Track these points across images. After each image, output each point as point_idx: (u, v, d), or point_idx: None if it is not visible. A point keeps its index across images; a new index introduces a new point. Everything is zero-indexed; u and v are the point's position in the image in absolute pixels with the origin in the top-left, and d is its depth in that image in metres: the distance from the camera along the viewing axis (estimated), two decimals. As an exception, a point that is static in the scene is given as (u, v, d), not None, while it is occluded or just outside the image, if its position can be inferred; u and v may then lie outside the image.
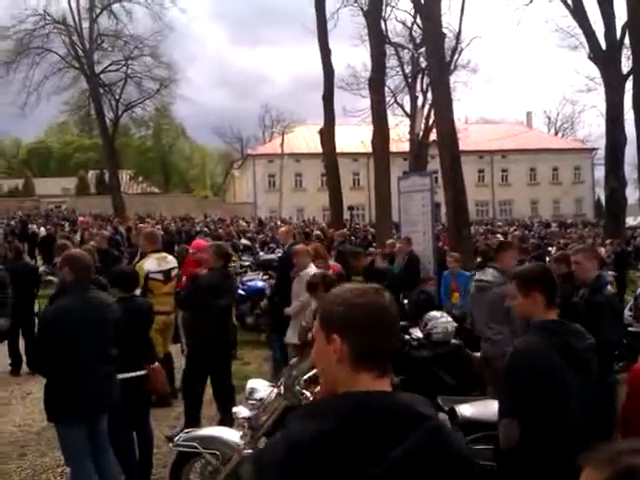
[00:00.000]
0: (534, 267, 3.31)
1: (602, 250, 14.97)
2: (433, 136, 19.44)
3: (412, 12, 27.14)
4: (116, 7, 34.11)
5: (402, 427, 1.35)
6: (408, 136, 31.38)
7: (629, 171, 19.29)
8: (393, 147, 20.56)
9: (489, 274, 5.56)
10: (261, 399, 3.86)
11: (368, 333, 1.44)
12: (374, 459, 1.32)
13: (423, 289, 9.04)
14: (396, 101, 33.24)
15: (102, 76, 34.20)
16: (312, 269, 7.23)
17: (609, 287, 4.94)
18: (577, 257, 4.89)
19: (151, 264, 6.93)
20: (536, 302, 2.87)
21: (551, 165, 54.19)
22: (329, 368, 1.49)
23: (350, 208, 27.04)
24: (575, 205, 53.99)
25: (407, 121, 32.59)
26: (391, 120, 24.77)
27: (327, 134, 21.39)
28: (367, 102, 23.16)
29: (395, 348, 1.55)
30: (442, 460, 1.36)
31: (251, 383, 4.08)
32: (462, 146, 15.59)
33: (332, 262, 10.97)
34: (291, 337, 7.27)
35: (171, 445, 4.30)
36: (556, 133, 64.18)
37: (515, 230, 29.26)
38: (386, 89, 24.56)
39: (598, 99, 56.71)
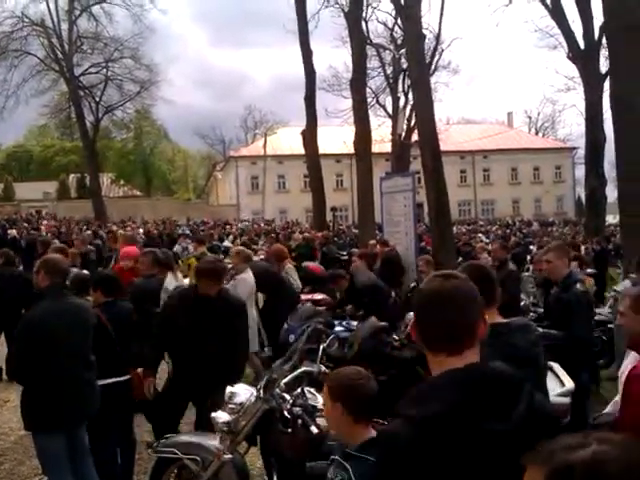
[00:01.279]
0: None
1: (582, 248, 15.10)
2: (415, 137, 19.50)
3: (393, 13, 27.27)
4: (96, 9, 33.90)
5: (512, 390, 1.57)
6: (390, 137, 31.46)
7: (609, 169, 19.49)
8: (375, 148, 20.59)
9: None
10: (241, 403, 3.81)
11: None
12: (502, 418, 1.51)
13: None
14: (378, 102, 33.38)
15: (82, 78, 33.91)
16: (248, 274, 7.25)
17: (579, 285, 4.99)
18: (548, 256, 4.94)
19: (130, 268, 6.85)
20: None
21: (532, 164, 54.64)
22: None
23: (333, 209, 26.97)
24: (556, 204, 54.49)
25: (389, 122, 32.68)
26: (373, 121, 24.87)
27: (309, 135, 21.36)
28: (349, 103, 23.21)
29: None
30: (543, 417, 1.61)
31: (230, 387, 4.02)
32: (444, 146, 15.64)
33: (316, 264, 11.02)
34: (252, 344, 7.25)
35: (150, 451, 4.23)
36: (537, 133, 64.74)
37: (497, 229, 29.52)
38: (368, 90, 24.60)
39: (578, 98, 57.29)
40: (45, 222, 25.30)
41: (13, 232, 21.32)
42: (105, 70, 34.37)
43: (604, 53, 20.54)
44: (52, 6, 32.68)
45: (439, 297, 1.64)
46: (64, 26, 33.15)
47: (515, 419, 1.52)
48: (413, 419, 1.51)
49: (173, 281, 7.48)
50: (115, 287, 5.10)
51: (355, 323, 5.93)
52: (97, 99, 34.47)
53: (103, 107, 34.83)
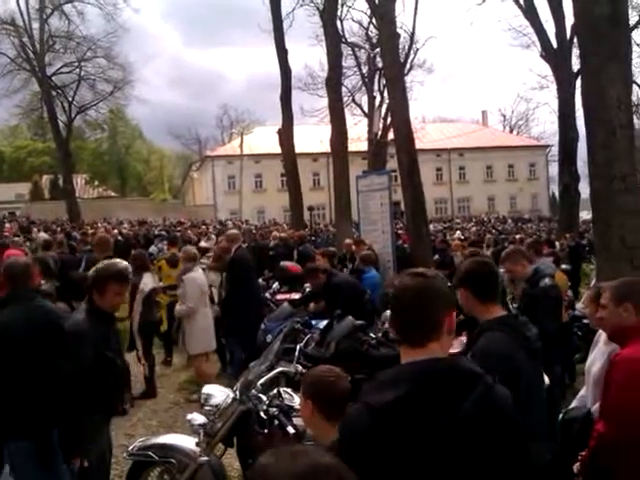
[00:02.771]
0: (464, 263, 3.28)
1: (557, 244, 15.29)
2: (391, 135, 19.55)
3: (368, 12, 27.29)
4: (67, 8, 33.26)
5: (465, 385, 1.66)
6: (367, 135, 31.53)
7: (582, 167, 19.70)
8: (352, 147, 20.60)
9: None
10: (217, 405, 3.79)
11: None
12: (448, 414, 1.61)
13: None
14: (354, 101, 33.41)
15: (54, 78, 33.33)
16: (197, 273, 7.27)
17: (547, 279, 5.10)
18: (505, 265, 5.05)
19: (103, 270, 6.76)
20: (469, 299, 2.82)
21: (507, 162, 55.26)
22: None
23: (310, 208, 26.97)
24: (531, 201, 55.20)
25: (365, 120, 32.75)
26: (349, 120, 24.90)
27: (285, 134, 21.30)
28: (325, 102, 23.22)
29: None
30: (496, 413, 1.69)
31: (206, 389, 4.00)
32: (420, 145, 15.74)
33: (293, 263, 10.98)
34: (191, 347, 7.29)
35: (126, 454, 4.19)
36: (511, 131, 65.46)
37: (473, 226, 29.77)
38: (344, 89, 24.64)
39: (551, 96, 57.95)
40: (7, 225, 24.08)
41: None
42: (78, 70, 33.79)
43: (576, 52, 20.84)
44: (22, 5, 32.08)
45: (406, 293, 1.79)
46: (35, 25, 32.58)
47: (461, 414, 1.61)
48: (367, 406, 1.64)
49: (150, 282, 7.43)
50: (82, 292, 5.03)
51: (324, 322, 5.94)
52: (70, 99, 33.89)
53: (76, 107, 34.26)
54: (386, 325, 5.87)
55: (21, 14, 32.08)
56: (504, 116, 67.34)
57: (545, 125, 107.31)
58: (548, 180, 55.63)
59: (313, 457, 1.16)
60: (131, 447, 4.14)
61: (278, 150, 23.11)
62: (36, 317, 4.03)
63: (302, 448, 1.25)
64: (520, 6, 22.93)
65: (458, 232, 25.76)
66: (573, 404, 3.73)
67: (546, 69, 25.62)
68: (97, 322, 3.74)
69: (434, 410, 1.61)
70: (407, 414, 1.59)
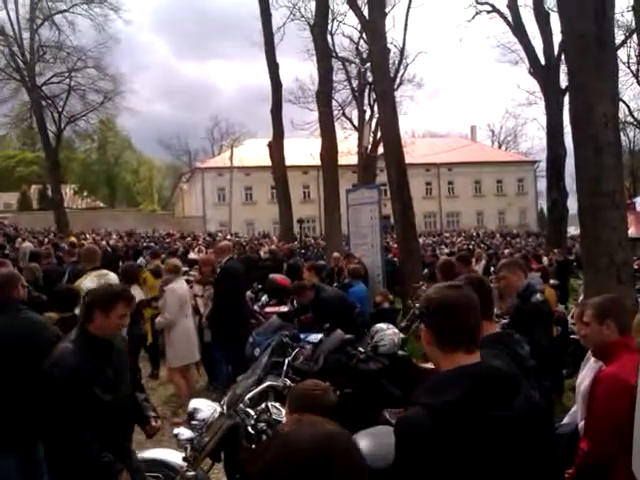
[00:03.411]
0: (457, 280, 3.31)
1: (545, 259, 15.39)
2: (381, 149, 19.65)
3: (358, 27, 27.52)
4: (58, 18, 33.22)
5: (511, 386, 1.85)
6: (357, 149, 31.65)
7: (570, 183, 19.82)
8: (342, 160, 20.68)
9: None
10: (204, 419, 3.75)
11: None
12: (505, 407, 1.78)
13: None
14: (344, 114, 33.57)
15: (44, 88, 33.19)
16: (177, 284, 7.25)
17: (538, 295, 5.12)
18: (502, 272, 5.04)
19: (90, 282, 6.69)
20: None
21: (495, 177, 55.67)
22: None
23: (300, 221, 26.94)
24: (519, 216, 55.56)
25: (355, 134, 32.91)
26: (339, 133, 25.00)
27: (276, 147, 21.35)
28: (315, 115, 23.29)
29: None
30: (539, 410, 1.92)
31: (193, 403, 3.96)
32: (409, 159, 15.79)
33: (282, 276, 10.96)
34: (183, 358, 7.25)
35: (111, 470, 4.12)
36: (500, 146, 66.02)
37: (462, 241, 29.89)
38: (334, 102, 24.75)
39: (539, 112, 58.61)
40: None
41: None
42: (68, 80, 33.67)
43: (564, 69, 21.11)
44: (12, 14, 31.97)
45: (457, 304, 1.94)
46: (25, 35, 32.46)
47: (516, 408, 1.80)
48: (428, 406, 1.77)
49: (138, 295, 7.38)
50: (70, 303, 4.99)
51: (319, 336, 5.91)
52: (60, 109, 33.73)
53: (66, 117, 34.10)
54: (375, 339, 5.85)
55: (11, 24, 32.03)
56: (493, 131, 68.12)
57: (534, 141, 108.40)
58: (537, 195, 56.07)
59: (328, 426, 1.42)
60: (117, 461, 4.08)
61: (268, 162, 23.15)
62: (22, 328, 3.99)
63: (317, 419, 1.46)
64: (509, 23, 23.22)
65: (442, 246, 25.88)
66: (565, 420, 3.73)
67: (534, 85, 25.96)
68: (89, 352, 3.33)
69: (493, 406, 1.76)
70: (467, 411, 1.73)
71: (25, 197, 56.33)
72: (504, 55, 29.80)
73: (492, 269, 12.84)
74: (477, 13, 25.84)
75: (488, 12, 25.23)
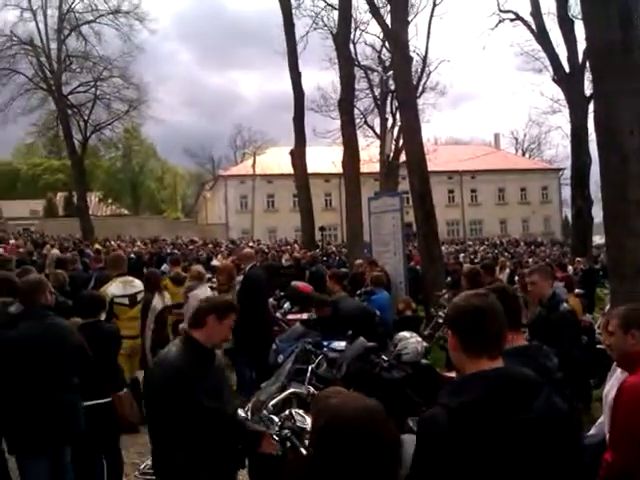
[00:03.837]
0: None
1: (570, 268, 15.21)
2: (404, 157, 19.62)
3: (381, 36, 27.57)
4: (85, 29, 33.88)
5: (531, 390, 1.90)
6: (379, 157, 31.63)
7: (595, 190, 19.63)
8: (364, 168, 20.66)
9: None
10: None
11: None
12: (523, 410, 1.83)
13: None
14: (366, 122, 33.56)
15: (70, 97, 33.79)
16: (201, 290, 7.29)
17: (565, 304, 5.06)
18: (533, 277, 4.99)
19: (116, 288, 6.82)
20: None
21: (519, 185, 55.21)
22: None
23: (322, 229, 27.00)
24: (544, 224, 54.98)
25: (377, 142, 32.88)
26: (361, 141, 24.99)
27: (298, 155, 21.44)
28: (337, 123, 23.34)
29: None
30: (560, 413, 1.94)
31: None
32: (432, 167, 15.75)
33: (305, 283, 10.99)
34: None
35: (137, 473, 4.18)
36: (523, 154, 65.44)
37: (485, 249, 29.67)
38: (356, 111, 24.79)
39: (563, 120, 58.00)
40: (13, 242, 23.57)
41: (0, 250, 21.07)
42: (94, 89, 34.22)
43: (588, 76, 20.90)
44: (41, 25, 32.72)
45: (483, 312, 2.01)
46: (53, 45, 33.13)
47: (535, 411, 1.85)
48: (446, 406, 1.86)
49: (160, 302, 7.46)
50: (95, 308, 5.07)
51: (343, 344, 5.91)
52: (85, 118, 34.28)
53: (91, 126, 34.60)
54: (398, 347, 5.84)
55: (40, 34, 32.77)
56: (516, 139, 67.40)
57: (558, 148, 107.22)
58: (561, 203, 55.44)
59: (369, 400, 1.64)
60: (143, 465, 4.12)
61: (290, 170, 23.23)
62: (49, 332, 4.07)
63: (358, 394, 1.69)
64: (532, 31, 23.08)
65: (462, 255, 25.65)
66: (592, 431, 3.68)
67: (558, 93, 25.75)
68: (193, 357, 3.18)
69: (508, 410, 1.82)
70: (483, 414, 1.80)
71: (51, 204, 57.20)
72: (527, 63, 29.53)
73: (516, 278, 12.74)
74: (500, 21, 25.75)
75: (511, 20, 25.12)
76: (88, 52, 33.92)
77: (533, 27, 22.79)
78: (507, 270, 14.59)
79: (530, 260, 19.96)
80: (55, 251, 17.86)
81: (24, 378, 3.90)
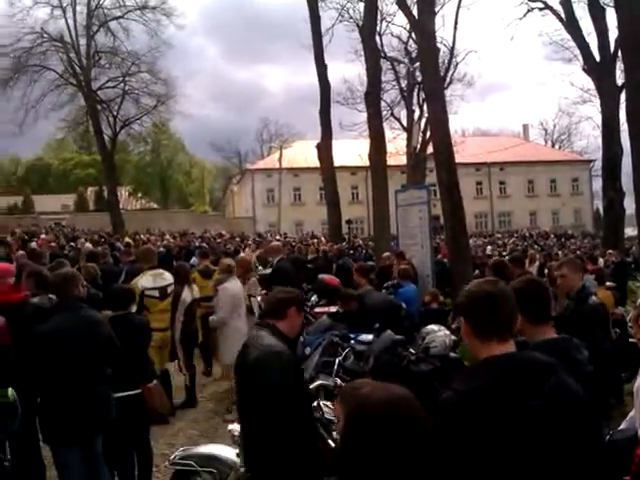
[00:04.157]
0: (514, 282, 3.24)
1: (601, 261, 14.95)
2: (431, 149, 19.49)
3: (407, 27, 27.37)
4: (113, 24, 34.28)
5: (542, 373, 1.91)
6: (405, 149, 31.45)
7: (627, 182, 19.26)
8: (391, 160, 20.62)
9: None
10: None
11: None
12: (532, 395, 1.84)
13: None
14: (393, 114, 33.38)
15: (100, 93, 34.21)
16: (231, 283, 7.33)
17: (594, 297, 4.99)
18: (563, 270, 4.92)
19: (146, 281, 6.92)
20: (524, 319, 2.78)
21: (549, 177, 54.42)
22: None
23: (349, 222, 26.94)
24: (574, 216, 54.15)
25: (404, 134, 32.69)
26: (388, 133, 24.92)
27: (324, 148, 21.44)
28: (364, 116, 23.27)
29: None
30: (573, 395, 1.93)
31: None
32: (459, 158, 15.62)
33: (332, 276, 10.99)
34: (233, 356, 7.33)
35: (167, 463, 4.26)
36: (553, 145, 64.42)
37: (514, 242, 29.33)
38: (382, 103, 24.66)
39: (594, 110, 57.01)
40: (43, 236, 24.06)
41: (33, 244, 21.50)
42: (122, 84, 34.62)
43: (620, 65, 20.48)
44: (71, 22, 33.23)
45: (494, 297, 2.05)
46: (82, 41, 33.63)
47: (544, 396, 1.86)
48: (457, 391, 1.91)
49: (189, 295, 7.55)
50: (125, 301, 5.16)
51: (370, 336, 5.92)
52: (115, 113, 34.67)
53: (120, 121, 34.98)
54: (426, 340, 5.82)
55: (69, 31, 33.28)
56: (546, 130, 66.38)
57: (589, 139, 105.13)
58: (592, 195, 54.51)
59: (400, 389, 1.67)
60: (173, 456, 4.20)
61: (317, 163, 23.26)
62: (81, 324, 4.16)
63: (389, 384, 1.70)
64: (562, 20, 22.67)
65: (490, 247, 25.37)
66: (622, 425, 3.63)
67: (589, 82, 25.28)
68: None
69: (518, 394, 1.84)
70: (492, 398, 1.83)
71: (82, 199, 58.16)
72: (557, 52, 28.97)
73: (546, 271, 12.59)
74: (529, 10, 25.33)
75: (540, 9, 24.69)
76: (116, 48, 34.39)
77: (562, 16, 22.38)
78: (537, 263, 14.41)
79: (560, 253, 19.66)
80: (88, 245, 18.15)
81: (58, 369, 3.99)
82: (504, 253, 20.42)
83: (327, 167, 21.59)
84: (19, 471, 4.40)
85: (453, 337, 6.13)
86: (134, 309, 5.67)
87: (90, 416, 4.08)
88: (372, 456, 1.60)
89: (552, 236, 37.61)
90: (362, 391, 1.68)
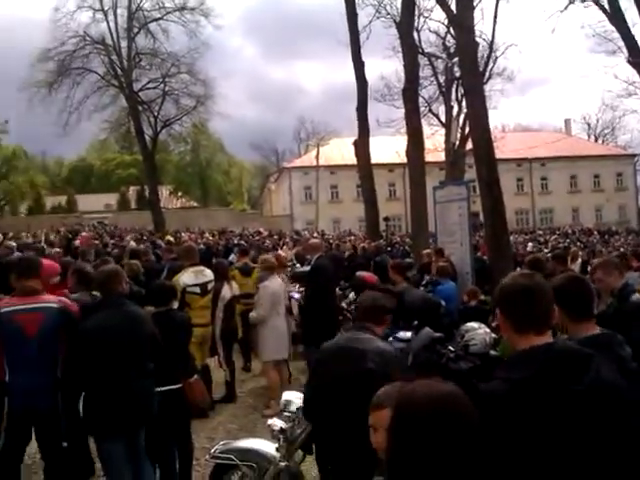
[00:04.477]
0: (556, 279, 3.19)
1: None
2: (469, 145, 19.22)
3: (445, 22, 27.05)
4: (153, 26, 34.79)
5: (582, 362, 1.97)
6: (444, 146, 31.13)
7: (674, 176, 18.70)
8: (429, 157, 20.39)
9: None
10: (296, 411, 3.85)
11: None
12: (576, 382, 1.90)
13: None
14: (431, 110, 33.04)
15: (140, 94, 34.72)
16: (271, 281, 7.35)
17: (637, 294, 4.86)
18: (596, 274, 4.82)
19: (188, 278, 7.04)
20: (561, 317, 2.75)
21: (592, 172, 53.20)
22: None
23: (386, 219, 26.79)
24: (618, 212, 52.81)
25: (442, 130, 32.35)
26: (426, 130, 24.64)
27: (361, 145, 21.35)
28: (401, 112, 23.07)
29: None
30: (611, 383, 1.99)
31: (286, 395, 4.07)
32: (500, 154, 15.36)
33: (370, 273, 10.97)
34: (273, 353, 7.39)
35: (208, 457, 4.32)
36: (596, 139, 62.91)
37: (556, 239, 28.75)
38: (420, 99, 24.44)
39: (639, 103, 55.42)
40: (84, 234, 24.48)
41: (77, 242, 22.02)
42: (162, 85, 35.03)
43: (667, 57, 19.86)
44: (112, 25, 33.84)
45: (530, 290, 2.09)
46: (123, 43, 34.19)
47: (587, 382, 1.91)
48: (507, 380, 1.95)
49: (229, 292, 7.65)
50: (167, 297, 5.25)
51: (408, 334, 5.89)
52: (155, 113, 35.09)
53: (161, 121, 35.37)
54: (465, 338, 5.76)
55: (111, 34, 33.93)
56: (589, 124, 64.85)
57: (633, 133, 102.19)
58: (637, 190, 53.07)
59: (447, 386, 1.67)
60: (213, 450, 4.26)
61: (354, 161, 23.17)
62: (127, 320, 4.25)
63: (435, 382, 1.70)
64: (605, 11, 22.06)
65: (531, 244, 24.92)
66: None
67: (634, 75, 24.51)
68: None
69: (565, 381, 1.90)
70: (541, 386, 1.88)
71: (124, 198, 59.45)
72: (600, 45, 28.11)
73: (589, 268, 12.30)
74: (571, 2, 24.65)
75: (582, 0, 24.07)
76: (156, 49, 34.85)
77: (606, 7, 21.78)
78: (579, 260, 14.10)
79: (603, 250, 19.18)
80: (133, 243, 18.51)
81: (102, 364, 4.09)
82: (545, 250, 20.06)
83: (364, 164, 21.50)
84: (69, 465, 4.53)
85: (493, 335, 6.05)
86: (175, 305, 5.77)
87: (133, 409, 4.17)
88: (421, 452, 1.61)
89: (595, 233, 36.72)
90: (409, 388, 1.69)
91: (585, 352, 2.03)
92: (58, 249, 12.15)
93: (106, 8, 33.66)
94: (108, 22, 33.77)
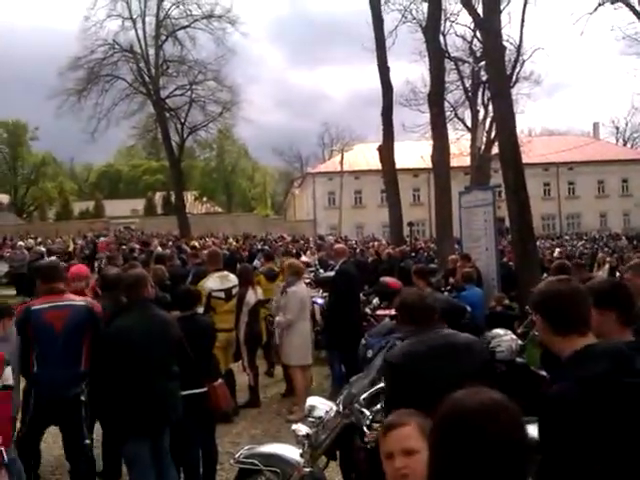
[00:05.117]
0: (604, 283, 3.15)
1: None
2: (495, 149, 19.06)
3: (472, 26, 26.90)
4: (180, 34, 35.25)
5: (630, 359, 2.00)
6: (469, 150, 30.90)
7: None
8: (454, 162, 20.26)
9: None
10: (320, 417, 3.84)
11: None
12: (635, 374, 1.93)
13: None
14: (456, 115, 32.84)
15: (168, 101, 35.14)
16: (299, 287, 7.32)
17: None
18: (627, 275, 4.73)
19: (213, 283, 7.09)
20: (610, 320, 2.71)
21: (620, 176, 52.32)
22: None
23: (410, 224, 26.67)
24: (647, 217, 51.82)
25: (468, 135, 32.11)
26: (451, 134, 24.52)
27: (386, 150, 21.29)
28: (426, 117, 23.04)
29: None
30: None
31: (310, 401, 4.07)
32: (526, 159, 15.22)
33: (394, 279, 10.93)
34: (299, 358, 7.37)
35: (232, 461, 4.33)
36: (625, 143, 61.92)
37: (584, 244, 28.31)
38: (446, 103, 24.31)
39: (670, 107, 54.35)
40: (104, 239, 24.62)
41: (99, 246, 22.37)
42: (189, 92, 35.37)
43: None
44: (140, 33, 34.40)
45: (569, 294, 2.16)
46: (151, 51, 34.69)
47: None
48: (577, 380, 1.96)
49: (253, 296, 7.67)
50: (191, 302, 5.29)
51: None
52: (182, 120, 35.48)
53: (188, 128, 35.74)
54: (491, 344, 5.70)
55: (139, 41, 34.44)
56: (617, 128, 63.90)
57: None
58: (667, 195, 52.03)
59: (493, 393, 1.60)
60: (237, 454, 4.26)
61: (378, 166, 23.11)
62: (153, 324, 4.30)
63: (482, 388, 1.64)
64: (636, 12, 21.77)
65: (558, 249, 24.55)
66: None
67: (665, 78, 24.12)
68: None
69: (627, 375, 1.93)
70: (610, 381, 1.91)
71: (150, 203, 60.19)
72: (630, 47, 27.88)
73: (617, 274, 12.11)
74: (600, 4, 24.38)
75: (612, 2, 23.74)
76: (184, 56, 35.30)
77: (637, 8, 21.48)
78: (606, 266, 13.88)
79: (632, 255, 18.83)
80: (159, 248, 18.73)
81: (128, 365, 4.14)
82: (576, 254, 19.77)
83: (389, 169, 21.42)
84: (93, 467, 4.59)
85: (520, 342, 5.98)
86: (200, 310, 5.80)
87: (158, 410, 4.21)
88: (468, 464, 1.51)
89: (623, 238, 36.09)
90: (457, 395, 1.61)
91: (629, 348, 2.08)
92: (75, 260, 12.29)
93: (135, 16, 34.28)
94: (136, 30, 34.36)
